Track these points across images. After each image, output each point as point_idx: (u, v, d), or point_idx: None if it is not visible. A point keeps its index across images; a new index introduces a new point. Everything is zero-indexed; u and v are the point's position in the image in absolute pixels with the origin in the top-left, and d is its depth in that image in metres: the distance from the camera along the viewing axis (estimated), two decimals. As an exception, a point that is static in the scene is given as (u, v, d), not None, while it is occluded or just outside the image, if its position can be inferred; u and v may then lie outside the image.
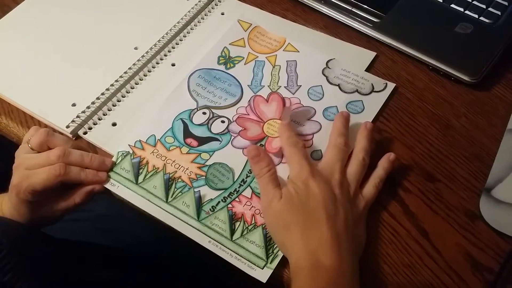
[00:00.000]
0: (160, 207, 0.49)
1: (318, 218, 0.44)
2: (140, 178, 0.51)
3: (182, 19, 0.64)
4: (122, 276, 0.60)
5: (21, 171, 0.49)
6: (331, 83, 0.58)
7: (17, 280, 0.42)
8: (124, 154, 0.52)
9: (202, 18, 0.65)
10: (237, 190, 0.50)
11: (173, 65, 0.60)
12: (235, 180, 0.51)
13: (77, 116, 0.55)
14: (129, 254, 0.67)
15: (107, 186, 0.51)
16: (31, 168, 0.48)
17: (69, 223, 0.65)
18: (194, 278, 0.69)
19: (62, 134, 0.54)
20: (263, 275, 0.46)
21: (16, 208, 0.50)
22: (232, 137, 0.54)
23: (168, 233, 0.49)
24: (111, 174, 0.51)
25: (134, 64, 0.59)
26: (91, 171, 0.50)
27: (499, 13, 0.61)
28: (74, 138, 0.55)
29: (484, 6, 0.62)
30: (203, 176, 0.51)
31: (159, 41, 0.62)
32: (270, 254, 0.46)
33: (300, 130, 0.53)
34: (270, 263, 0.46)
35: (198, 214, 0.49)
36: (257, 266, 0.46)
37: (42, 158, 0.49)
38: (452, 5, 0.62)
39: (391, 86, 0.57)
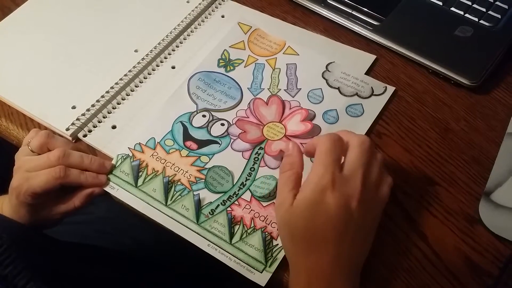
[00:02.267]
0: (160, 210, 0.49)
1: (324, 236, 0.42)
2: (140, 181, 0.51)
3: (182, 21, 0.64)
4: (122, 276, 0.61)
5: (21, 173, 0.49)
6: (331, 86, 0.58)
7: (17, 274, 0.42)
8: (124, 157, 0.52)
9: (202, 21, 0.65)
10: (237, 193, 0.50)
11: (173, 67, 0.60)
12: (234, 183, 0.51)
13: (77, 119, 0.55)
14: (129, 256, 0.67)
15: (107, 189, 0.51)
16: (31, 170, 0.48)
17: (69, 226, 0.66)
18: (193, 280, 0.69)
19: (62, 136, 0.54)
20: (262, 278, 0.46)
21: (16, 210, 0.50)
22: (232, 140, 0.54)
23: (168, 236, 0.49)
24: (111, 177, 0.51)
25: (134, 67, 0.59)
26: (91, 174, 0.50)
27: (499, 16, 0.61)
28: (73, 141, 0.55)
29: (484, 10, 0.62)
30: (202, 179, 0.51)
31: (159, 43, 0.62)
32: (269, 258, 0.46)
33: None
34: (269, 266, 0.46)
35: (198, 218, 0.49)
36: (256, 270, 0.46)
37: (42, 160, 0.49)
38: (452, 8, 0.62)
39: (390, 89, 0.57)
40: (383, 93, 0.57)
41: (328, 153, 0.43)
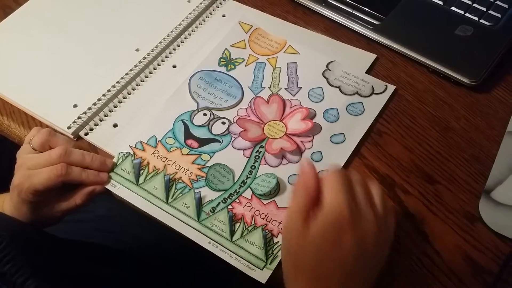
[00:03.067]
0: (161, 208, 0.49)
1: (332, 273, 0.39)
2: (141, 179, 0.51)
3: (183, 21, 0.64)
4: (122, 275, 0.61)
5: (22, 171, 0.49)
6: (331, 85, 0.58)
7: (16, 271, 0.42)
8: (125, 155, 0.53)
9: (204, 20, 0.65)
10: (237, 191, 0.50)
11: (174, 66, 0.61)
12: (235, 181, 0.51)
13: (79, 117, 0.55)
14: (130, 254, 0.67)
15: (108, 187, 0.51)
16: (33, 168, 0.49)
17: (70, 224, 0.66)
18: (194, 278, 0.70)
19: (63, 135, 0.55)
20: (262, 276, 0.46)
21: (17, 208, 0.50)
22: (233, 138, 0.54)
23: (169, 234, 0.49)
24: (112, 175, 0.51)
25: (135, 66, 0.60)
26: (92, 172, 0.50)
27: (499, 15, 0.61)
28: (75, 139, 0.55)
29: (484, 9, 0.62)
30: (203, 177, 0.51)
31: (160, 43, 0.62)
32: (269, 255, 0.47)
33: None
34: (270, 264, 0.46)
35: (198, 215, 0.49)
36: (257, 267, 0.46)
37: (44, 158, 0.49)
38: (453, 8, 0.63)
39: (391, 88, 0.57)
40: (383, 91, 0.57)
41: (342, 185, 0.40)
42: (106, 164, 0.51)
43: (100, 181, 0.51)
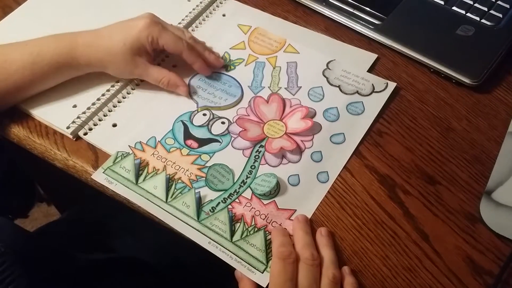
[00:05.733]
0: (160, 207, 0.49)
1: None
2: (140, 179, 0.51)
3: (183, 20, 0.64)
4: (122, 278, 0.60)
5: (154, 22, 0.55)
6: (331, 84, 0.58)
7: (13, 280, 0.42)
8: (125, 155, 0.52)
9: (204, 20, 0.65)
10: (237, 191, 0.50)
11: (174, 66, 0.60)
12: (235, 181, 0.51)
13: (78, 117, 0.55)
14: (129, 257, 0.67)
15: (104, 183, 0.50)
16: (164, 25, 0.56)
17: (69, 224, 0.65)
18: (194, 282, 0.69)
19: (62, 135, 0.55)
20: (263, 279, 0.45)
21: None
22: (232, 138, 0.54)
23: (168, 237, 0.49)
24: (109, 172, 0.51)
25: (135, 65, 0.59)
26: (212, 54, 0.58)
27: (500, 15, 0.61)
28: (74, 139, 0.55)
29: (485, 9, 0.62)
30: (203, 177, 0.51)
31: (160, 42, 0.61)
32: (270, 258, 0.46)
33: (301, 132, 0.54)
34: (270, 267, 0.46)
35: (198, 215, 0.49)
36: (257, 270, 0.46)
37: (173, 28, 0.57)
38: (454, 8, 0.62)
39: (392, 85, 0.57)
40: (384, 89, 0.57)
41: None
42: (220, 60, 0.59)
43: (218, 64, 0.58)
